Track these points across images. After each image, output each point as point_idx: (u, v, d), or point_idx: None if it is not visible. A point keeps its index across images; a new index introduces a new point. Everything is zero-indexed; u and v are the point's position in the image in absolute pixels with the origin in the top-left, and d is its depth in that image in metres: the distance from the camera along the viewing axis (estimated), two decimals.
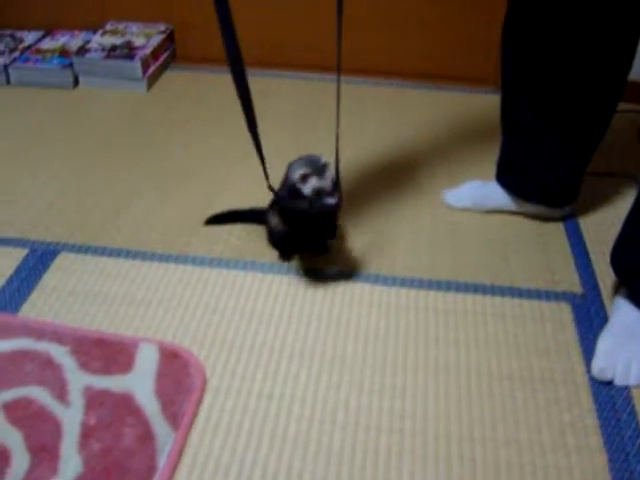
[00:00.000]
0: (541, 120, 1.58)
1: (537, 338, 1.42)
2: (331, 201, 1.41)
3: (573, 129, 1.57)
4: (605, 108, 1.55)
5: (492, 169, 1.79)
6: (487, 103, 2.33)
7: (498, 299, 1.52)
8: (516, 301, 1.51)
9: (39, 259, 1.61)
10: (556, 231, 1.73)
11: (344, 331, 1.42)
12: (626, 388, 1.31)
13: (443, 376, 1.33)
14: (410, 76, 2.49)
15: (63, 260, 1.61)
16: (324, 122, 2.15)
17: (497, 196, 1.76)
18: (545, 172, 1.66)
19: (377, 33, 2.46)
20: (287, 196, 1.45)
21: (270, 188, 1.46)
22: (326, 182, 1.41)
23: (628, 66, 1.48)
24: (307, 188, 1.41)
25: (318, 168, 1.41)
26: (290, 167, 1.45)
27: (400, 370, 1.34)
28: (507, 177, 1.74)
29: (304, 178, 1.40)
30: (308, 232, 1.52)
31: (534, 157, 1.66)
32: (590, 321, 1.46)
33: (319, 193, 1.41)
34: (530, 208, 1.75)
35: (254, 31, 2.49)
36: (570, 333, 1.43)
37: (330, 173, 1.43)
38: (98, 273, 1.57)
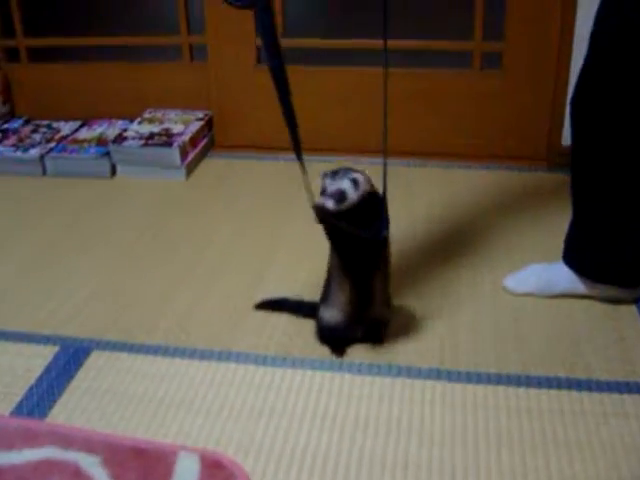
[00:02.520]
0: (613, 194, 1.50)
1: (622, 437, 1.25)
2: (319, 201, 1.31)
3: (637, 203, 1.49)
4: None
5: (553, 251, 1.67)
6: (541, 181, 2.23)
7: (575, 394, 1.36)
8: (595, 395, 1.35)
9: (71, 357, 1.50)
10: (630, 315, 1.58)
11: (406, 435, 1.27)
12: None
13: None
14: (458, 156, 2.39)
15: (97, 358, 1.50)
16: None
17: (563, 279, 1.63)
18: (617, 249, 1.54)
19: (418, 112, 2.39)
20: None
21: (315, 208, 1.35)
22: (335, 184, 1.31)
23: None
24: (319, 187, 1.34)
25: (339, 174, 1.33)
26: None
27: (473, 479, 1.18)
28: (576, 256, 1.62)
29: (323, 177, 1.34)
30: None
31: (606, 233, 1.54)
32: None
33: (322, 193, 1.32)
34: (600, 290, 1.61)
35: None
36: None
37: (351, 186, 1.31)
38: (134, 373, 1.45)
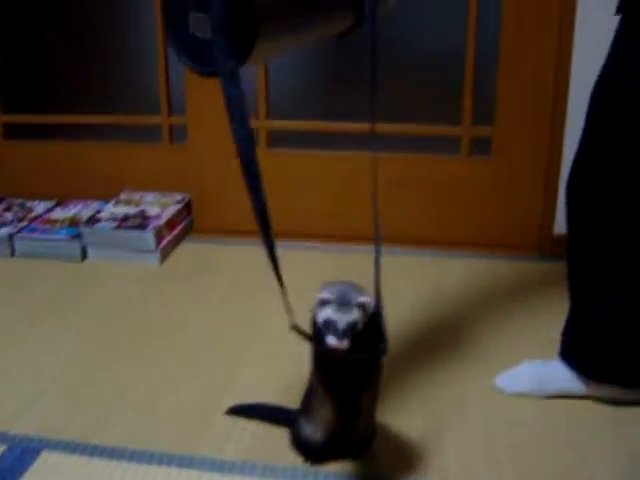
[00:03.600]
0: (610, 285, 1.41)
1: None
2: (332, 342, 1.13)
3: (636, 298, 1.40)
4: None
5: (548, 346, 1.56)
6: (534, 271, 2.13)
7: None
8: None
9: (18, 458, 1.35)
10: (635, 417, 1.46)
11: None
12: None
13: None
14: (447, 244, 2.30)
15: (45, 460, 1.35)
16: None
17: (561, 378, 1.51)
18: (620, 345, 1.43)
19: (405, 198, 2.30)
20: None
21: (295, 328, 1.19)
22: (345, 318, 1.14)
23: None
24: (320, 316, 1.15)
25: (346, 300, 1.15)
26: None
27: None
28: (574, 354, 1.50)
29: (323, 303, 1.15)
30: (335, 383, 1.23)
31: (607, 328, 1.43)
32: None
33: (327, 326, 1.14)
34: (602, 390, 1.49)
35: (271, 197, 2.35)
36: None
37: (361, 315, 1.15)
38: (85, 478, 1.29)
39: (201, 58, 1.03)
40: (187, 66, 1.04)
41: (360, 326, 1.15)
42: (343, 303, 1.15)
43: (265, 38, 1.00)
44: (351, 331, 1.14)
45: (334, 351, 1.14)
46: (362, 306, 1.16)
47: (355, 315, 1.15)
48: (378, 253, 1.22)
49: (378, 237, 1.22)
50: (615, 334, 1.43)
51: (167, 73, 2.43)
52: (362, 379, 1.24)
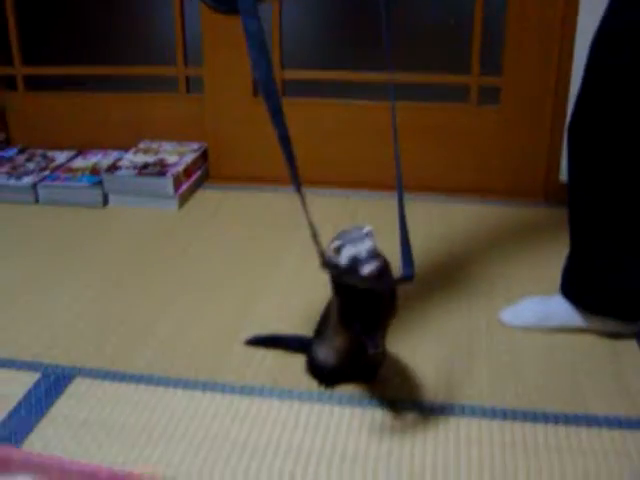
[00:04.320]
0: (609, 224, 1.46)
1: (622, 477, 1.20)
2: (368, 268, 1.21)
3: (635, 235, 1.46)
4: None
5: (551, 284, 1.63)
6: (539, 216, 2.20)
7: (572, 430, 1.30)
8: (594, 431, 1.30)
9: (52, 385, 1.45)
10: (631, 350, 1.54)
11: (396, 470, 1.22)
12: None
13: None
14: (455, 191, 2.37)
15: (78, 386, 1.44)
16: None
17: (562, 311, 1.59)
18: (616, 280, 1.50)
19: (416, 146, 2.37)
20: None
21: (325, 264, 1.25)
22: (363, 247, 1.22)
23: None
24: (343, 259, 1.23)
25: (354, 237, 1.24)
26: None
27: None
28: (573, 288, 1.58)
29: (338, 250, 1.23)
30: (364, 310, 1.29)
31: (604, 264, 1.50)
32: None
33: (354, 262, 1.22)
34: (600, 324, 1.57)
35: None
36: None
37: (371, 242, 1.24)
38: (115, 402, 1.39)
39: None
40: (207, 5, 1.11)
41: (378, 250, 1.25)
42: (353, 240, 1.24)
43: None
44: (375, 254, 1.23)
45: (372, 279, 1.22)
46: (369, 234, 1.25)
47: (369, 242, 1.23)
48: (401, 195, 1.33)
49: (399, 175, 1.31)
50: (613, 270, 1.50)
51: (183, 24, 2.48)
52: (380, 311, 1.31)
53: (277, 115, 1.17)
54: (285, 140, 1.19)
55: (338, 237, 1.26)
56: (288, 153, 1.20)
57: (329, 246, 1.25)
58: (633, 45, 1.32)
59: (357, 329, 1.28)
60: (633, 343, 1.56)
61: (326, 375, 1.42)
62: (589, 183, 1.47)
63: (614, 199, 1.45)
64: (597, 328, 1.58)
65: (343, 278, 1.25)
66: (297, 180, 1.22)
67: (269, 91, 1.15)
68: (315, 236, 1.22)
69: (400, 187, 1.33)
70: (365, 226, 1.27)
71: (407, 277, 1.25)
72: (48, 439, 1.30)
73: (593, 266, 1.53)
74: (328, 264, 1.25)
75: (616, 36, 1.35)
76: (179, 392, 1.42)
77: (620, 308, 1.53)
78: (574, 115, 1.46)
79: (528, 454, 1.25)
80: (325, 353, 1.40)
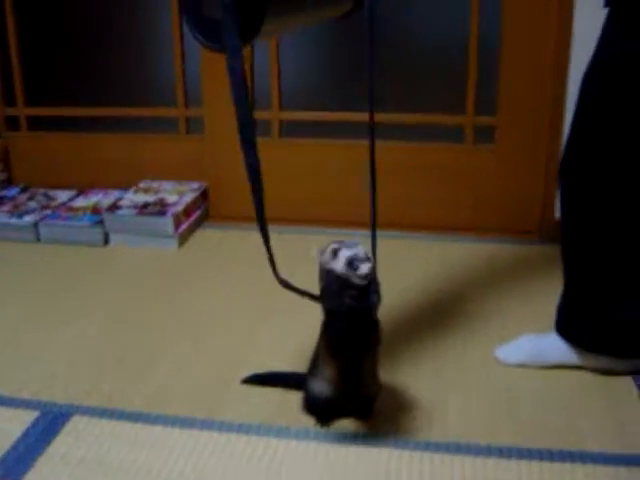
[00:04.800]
0: (601, 260, 1.49)
1: None
2: (365, 268, 1.25)
3: (636, 269, 1.47)
4: None
5: (546, 322, 1.64)
6: (534, 254, 2.22)
7: (568, 467, 1.31)
8: (589, 468, 1.30)
9: (50, 423, 1.45)
10: (626, 387, 1.54)
11: None
12: None
13: None
14: (450, 229, 2.39)
15: (76, 424, 1.45)
16: None
17: (557, 349, 1.60)
18: (610, 318, 1.52)
19: (412, 185, 2.40)
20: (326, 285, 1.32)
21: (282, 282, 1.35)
22: (359, 250, 1.28)
23: None
24: (340, 259, 1.27)
25: (347, 243, 1.29)
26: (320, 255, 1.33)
27: None
28: (568, 325, 1.59)
29: (335, 253, 1.28)
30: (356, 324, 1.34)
31: (598, 302, 1.52)
32: None
33: (351, 263, 1.26)
34: (594, 361, 1.58)
35: (275, 186, 2.47)
36: None
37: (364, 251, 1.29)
38: (113, 440, 1.40)
39: (213, 36, 1.15)
40: (200, 43, 1.17)
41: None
42: (348, 245, 1.29)
43: (271, 19, 1.12)
44: (369, 256, 1.29)
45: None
46: (358, 243, 1.30)
47: (362, 248, 1.29)
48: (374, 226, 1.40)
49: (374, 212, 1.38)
50: (604, 307, 1.52)
51: (184, 67, 2.53)
52: (363, 341, 1.35)
53: (251, 146, 1.27)
54: (253, 170, 1.30)
55: (332, 244, 1.31)
56: (255, 182, 1.32)
57: (324, 250, 1.30)
58: (623, 80, 1.35)
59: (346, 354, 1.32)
60: (628, 379, 1.56)
61: (321, 409, 1.43)
62: (581, 221, 1.49)
63: (606, 237, 1.47)
64: (592, 365, 1.59)
65: (334, 287, 1.30)
66: (262, 210, 1.34)
67: (244, 122, 1.25)
68: (271, 257, 1.34)
69: (374, 221, 1.42)
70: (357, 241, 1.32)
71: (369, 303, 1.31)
72: (45, 477, 1.30)
73: (587, 303, 1.54)
74: (286, 284, 1.34)
75: (606, 71, 1.39)
76: (176, 430, 1.43)
77: (615, 345, 1.55)
78: (566, 154, 1.49)
79: None
80: (319, 386, 1.41)
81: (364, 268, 1.25)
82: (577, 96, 1.45)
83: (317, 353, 1.42)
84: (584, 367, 1.59)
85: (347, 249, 1.28)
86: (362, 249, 1.29)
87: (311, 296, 1.38)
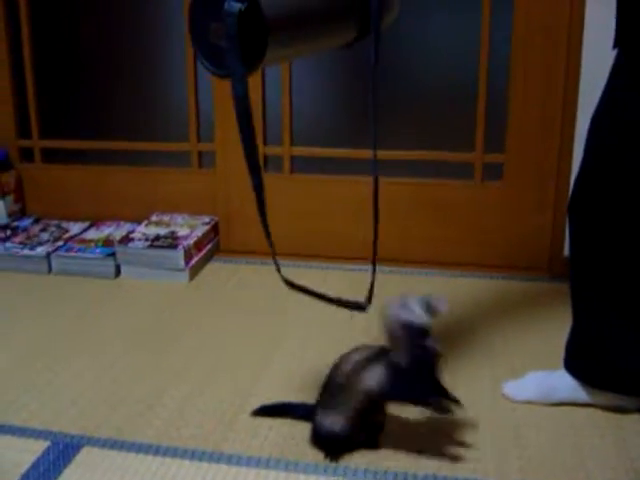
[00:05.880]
0: (611, 299, 1.50)
1: None
2: (444, 303, 1.35)
3: (636, 310, 1.50)
4: None
5: (555, 360, 1.65)
6: (543, 291, 2.23)
7: None
8: None
9: (60, 453, 1.47)
10: (635, 423, 1.55)
11: None
12: None
13: None
14: (459, 265, 2.41)
15: (86, 455, 1.46)
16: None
17: (565, 386, 1.60)
18: (620, 355, 1.52)
19: (421, 222, 2.42)
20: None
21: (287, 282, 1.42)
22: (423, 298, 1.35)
23: None
24: (417, 306, 1.35)
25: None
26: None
27: None
28: (577, 363, 1.60)
29: (404, 305, 1.36)
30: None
31: (607, 339, 1.53)
32: None
33: (429, 305, 1.35)
34: (604, 398, 1.58)
35: (286, 221, 2.50)
36: None
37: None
38: (123, 471, 1.41)
39: (219, 62, 1.19)
40: (206, 69, 1.21)
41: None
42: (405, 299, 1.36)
43: (274, 47, 1.16)
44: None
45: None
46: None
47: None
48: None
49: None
50: (614, 345, 1.53)
51: (197, 101, 2.57)
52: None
53: (255, 171, 1.30)
54: (259, 190, 1.34)
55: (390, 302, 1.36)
56: (260, 201, 1.36)
57: (391, 311, 1.35)
58: (630, 122, 1.38)
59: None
60: (637, 417, 1.57)
61: (332, 443, 1.44)
62: (590, 260, 1.51)
63: (616, 277, 1.49)
64: (601, 403, 1.59)
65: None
66: (267, 227, 1.41)
67: (249, 147, 1.27)
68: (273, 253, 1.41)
69: (375, 253, 1.44)
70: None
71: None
72: None
73: (596, 341, 1.55)
74: (289, 283, 1.40)
75: (613, 113, 1.41)
76: (186, 462, 1.44)
77: (624, 383, 1.55)
78: (574, 193, 1.51)
79: None
80: (330, 420, 1.42)
81: (443, 303, 1.32)
82: (586, 134, 1.47)
83: (326, 387, 1.44)
84: (593, 405, 1.60)
85: (412, 299, 1.33)
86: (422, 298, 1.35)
87: (316, 294, 1.40)
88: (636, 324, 1.51)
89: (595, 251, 1.49)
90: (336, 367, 1.43)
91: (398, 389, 1.37)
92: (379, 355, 1.39)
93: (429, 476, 1.39)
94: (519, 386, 1.66)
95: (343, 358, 1.43)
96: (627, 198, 1.42)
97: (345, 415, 1.40)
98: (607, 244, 1.47)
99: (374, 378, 1.37)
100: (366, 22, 1.33)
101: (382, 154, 2.38)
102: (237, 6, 1.12)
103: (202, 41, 1.20)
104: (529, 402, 1.62)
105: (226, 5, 1.12)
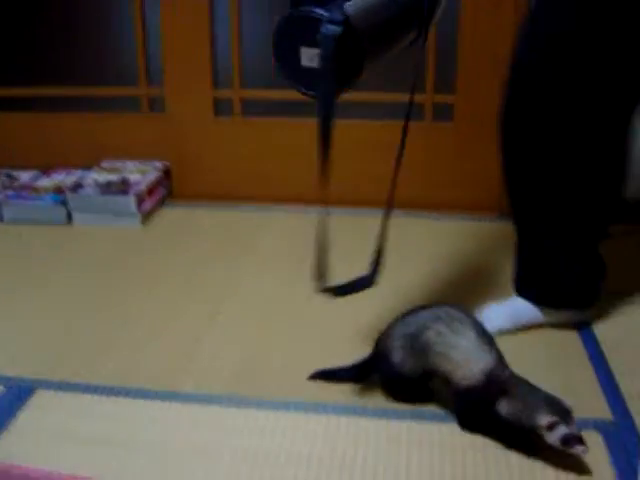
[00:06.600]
0: (549, 214, 1.56)
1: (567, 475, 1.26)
2: (581, 450, 1.22)
3: (577, 219, 1.55)
4: (604, 201, 1.56)
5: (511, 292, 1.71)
6: (493, 230, 2.27)
7: None
8: None
9: (15, 397, 1.48)
10: (579, 356, 1.60)
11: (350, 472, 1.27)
12: None
13: None
14: (409, 206, 2.43)
15: (40, 398, 1.48)
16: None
17: (525, 309, 1.66)
18: (563, 271, 1.60)
19: (372, 163, 2.43)
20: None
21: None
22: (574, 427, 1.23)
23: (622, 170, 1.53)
24: (553, 436, 1.22)
25: (563, 410, 1.24)
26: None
27: None
28: (526, 286, 1.66)
29: (551, 427, 1.22)
30: None
31: (549, 255, 1.60)
32: (627, 453, 1.29)
33: (567, 441, 1.22)
34: (558, 316, 1.65)
35: (247, 164, 2.49)
36: (605, 466, 1.26)
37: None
38: (77, 412, 1.43)
39: (310, 83, 1.22)
40: (298, 91, 1.26)
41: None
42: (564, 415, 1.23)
43: (368, 65, 1.21)
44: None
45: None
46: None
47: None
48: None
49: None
50: (558, 261, 1.58)
51: (145, 45, 2.54)
52: None
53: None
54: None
55: (544, 406, 1.24)
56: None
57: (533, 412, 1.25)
58: (550, 38, 1.43)
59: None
60: (580, 348, 1.62)
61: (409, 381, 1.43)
62: (524, 174, 1.55)
63: (548, 186, 1.53)
64: (558, 320, 1.65)
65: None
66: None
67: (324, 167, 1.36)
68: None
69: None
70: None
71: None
72: (11, 450, 1.32)
73: (540, 259, 1.61)
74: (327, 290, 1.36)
75: (535, 30, 1.48)
76: (140, 402, 1.46)
77: (573, 297, 1.62)
78: (504, 105, 1.55)
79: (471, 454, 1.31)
80: (401, 355, 1.41)
81: (579, 450, 1.22)
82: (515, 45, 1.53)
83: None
84: (548, 324, 1.65)
85: (565, 426, 1.21)
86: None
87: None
88: (573, 240, 1.56)
89: (528, 164, 1.53)
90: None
91: None
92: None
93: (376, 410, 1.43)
94: (487, 317, 1.66)
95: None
96: (548, 111, 1.46)
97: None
98: (537, 156, 1.51)
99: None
100: (422, 20, 1.37)
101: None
102: (335, 30, 1.13)
103: (289, 63, 1.22)
104: (500, 330, 1.62)
105: (323, 29, 1.13)
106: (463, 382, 1.32)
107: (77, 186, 2.42)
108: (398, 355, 1.40)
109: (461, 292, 1.90)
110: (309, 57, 1.19)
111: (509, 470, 1.25)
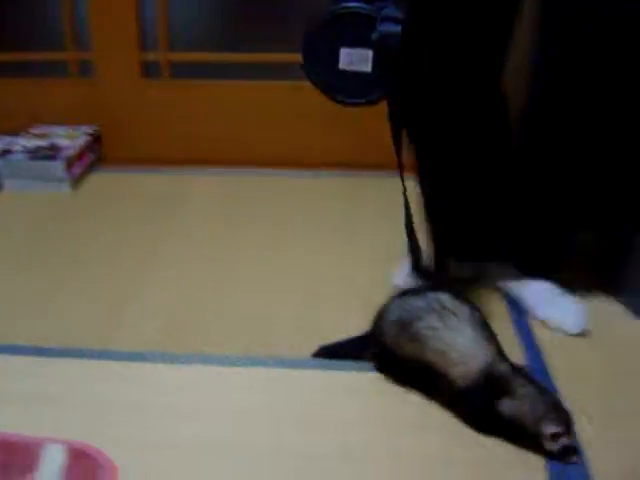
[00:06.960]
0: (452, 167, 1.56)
1: None
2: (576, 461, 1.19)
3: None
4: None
5: None
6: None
7: None
8: None
9: None
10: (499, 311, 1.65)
11: (276, 420, 1.32)
12: None
13: None
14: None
15: None
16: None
17: None
18: (464, 223, 1.62)
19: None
20: None
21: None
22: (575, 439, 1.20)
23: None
24: (554, 445, 1.18)
25: (567, 419, 1.19)
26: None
27: None
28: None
29: (555, 437, 1.18)
30: None
31: (447, 210, 1.62)
32: None
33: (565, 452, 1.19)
34: (461, 269, 1.68)
35: (176, 127, 2.50)
36: None
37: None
38: (6, 372, 1.44)
39: (346, 88, 1.16)
40: (339, 102, 1.17)
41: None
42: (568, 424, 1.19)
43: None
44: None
45: None
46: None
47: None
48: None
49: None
50: (456, 214, 1.60)
51: (72, 9, 2.50)
52: None
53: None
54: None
55: (552, 417, 1.19)
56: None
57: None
58: None
59: None
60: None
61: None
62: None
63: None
64: (466, 274, 1.68)
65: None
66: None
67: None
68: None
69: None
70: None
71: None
72: None
73: (437, 208, 1.63)
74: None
75: None
76: (70, 360, 1.48)
77: (481, 252, 1.66)
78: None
79: None
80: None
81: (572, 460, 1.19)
82: None
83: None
84: (461, 277, 1.67)
85: (567, 437, 1.17)
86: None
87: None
88: (474, 189, 1.57)
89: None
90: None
91: None
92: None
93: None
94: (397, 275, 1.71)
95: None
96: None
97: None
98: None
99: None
100: None
101: (260, 57, 2.42)
102: (395, 28, 1.07)
103: (323, 66, 1.13)
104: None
105: (381, 27, 1.06)
106: (460, 382, 1.25)
107: (6, 152, 2.40)
108: (390, 340, 1.35)
109: (364, 251, 1.92)
110: (353, 59, 1.10)
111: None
